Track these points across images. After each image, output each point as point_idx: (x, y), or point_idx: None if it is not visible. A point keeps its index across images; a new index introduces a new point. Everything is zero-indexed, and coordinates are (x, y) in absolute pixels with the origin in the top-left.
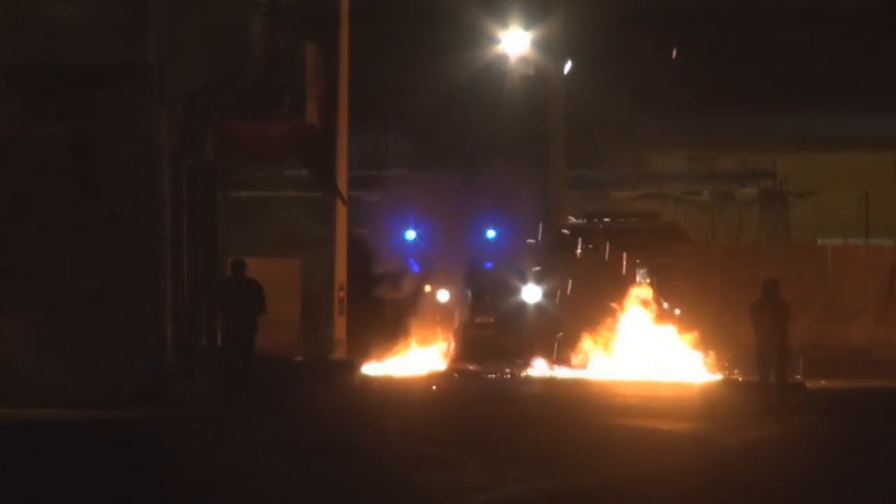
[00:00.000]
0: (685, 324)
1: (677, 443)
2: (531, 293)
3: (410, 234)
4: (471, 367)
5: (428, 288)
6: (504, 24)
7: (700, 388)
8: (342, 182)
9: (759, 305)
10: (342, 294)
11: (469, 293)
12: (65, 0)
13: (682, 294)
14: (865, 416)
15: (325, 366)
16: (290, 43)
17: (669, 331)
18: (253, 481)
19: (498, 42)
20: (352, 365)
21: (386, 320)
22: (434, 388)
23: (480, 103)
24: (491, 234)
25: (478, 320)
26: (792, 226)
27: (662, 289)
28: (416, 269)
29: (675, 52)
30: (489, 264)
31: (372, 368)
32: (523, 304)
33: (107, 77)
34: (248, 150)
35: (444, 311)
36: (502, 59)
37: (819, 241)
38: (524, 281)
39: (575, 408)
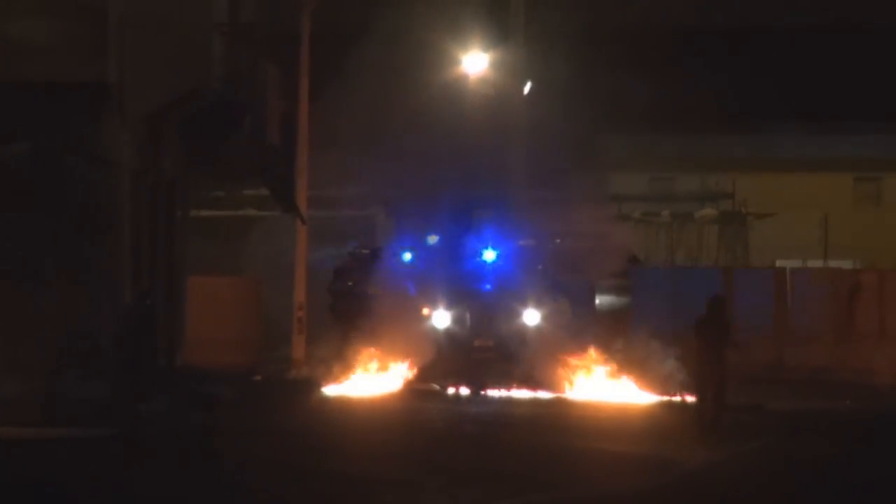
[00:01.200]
0: (642, 345)
1: (634, 464)
2: (530, 316)
3: (407, 256)
4: (435, 387)
5: (426, 311)
6: (465, 44)
7: (657, 409)
8: (302, 201)
9: (703, 323)
10: (301, 314)
11: (467, 315)
12: (27, 19)
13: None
14: (823, 437)
15: (284, 385)
16: (250, 62)
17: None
18: (209, 501)
19: (458, 62)
20: (311, 384)
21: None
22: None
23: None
24: (490, 255)
25: (477, 343)
26: (751, 247)
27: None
28: (412, 290)
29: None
30: (488, 286)
31: (336, 388)
32: (524, 327)
33: (68, 95)
34: (208, 169)
35: (437, 332)
36: (463, 79)
37: (778, 263)
38: (524, 304)
39: (536, 429)
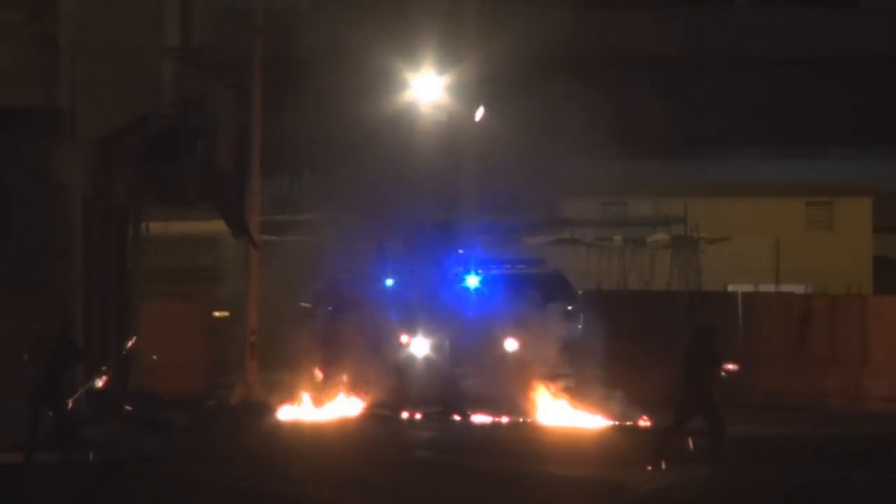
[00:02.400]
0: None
1: (587, 489)
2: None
3: (389, 282)
4: (389, 412)
5: (405, 338)
6: (417, 68)
7: (611, 434)
8: (254, 226)
9: (691, 352)
10: (253, 338)
11: (447, 343)
12: None
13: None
14: (776, 462)
15: (237, 410)
16: (202, 87)
17: (574, 377)
18: None
19: (410, 87)
20: (265, 409)
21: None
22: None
23: (393, 148)
24: (473, 281)
25: (454, 370)
26: (703, 271)
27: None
28: (392, 317)
29: (586, 98)
30: (469, 313)
31: (290, 413)
32: (503, 354)
33: (19, 120)
34: (160, 194)
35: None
36: (415, 104)
37: (730, 287)
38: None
39: (490, 454)
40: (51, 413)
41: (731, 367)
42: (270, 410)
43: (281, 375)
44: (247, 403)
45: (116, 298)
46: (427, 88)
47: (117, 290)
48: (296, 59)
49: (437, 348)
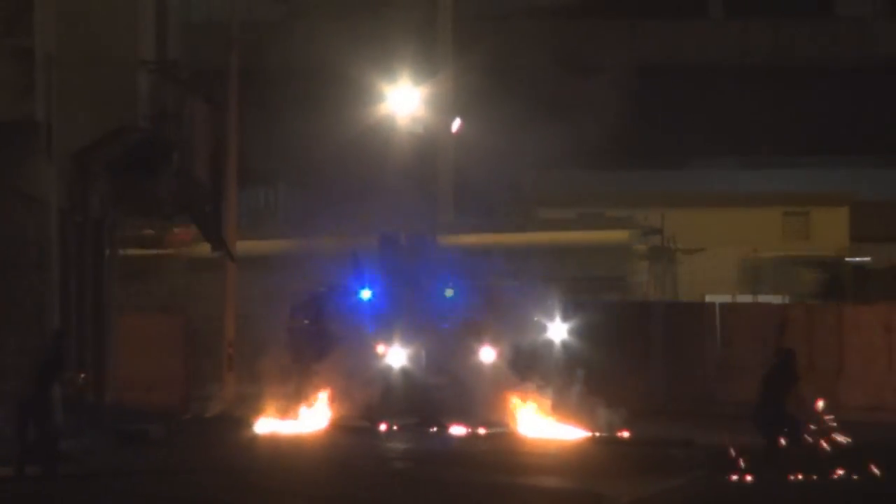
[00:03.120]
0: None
1: (565, 500)
2: (487, 353)
3: (366, 294)
4: (367, 423)
5: (381, 349)
6: (393, 81)
7: (589, 445)
8: (231, 238)
9: (772, 371)
10: (231, 350)
11: (423, 354)
12: None
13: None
14: (752, 472)
15: (213, 423)
16: (178, 100)
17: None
18: None
19: (386, 99)
20: (242, 422)
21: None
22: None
23: (369, 160)
24: (449, 293)
25: (431, 381)
26: (680, 282)
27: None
28: (370, 329)
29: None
30: (445, 325)
31: (268, 426)
32: (480, 364)
33: None
34: (136, 207)
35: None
36: (391, 116)
37: (707, 298)
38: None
39: (468, 465)
40: (34, 425)
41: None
42: (247, 423)
43: (258, 388)
44: (224, 416)
45: (93, 311)
46: (403, 100)
47: (93, 302)
48: (271, 72)
49: (413, 359)
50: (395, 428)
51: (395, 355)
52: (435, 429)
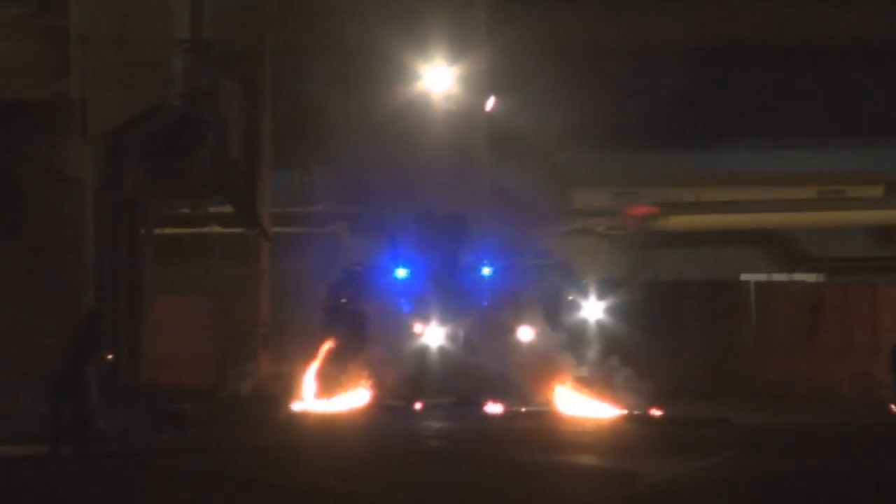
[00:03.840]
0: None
1: (599, 478)
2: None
3: (402, 273)
4: (403, 403)
5: (418, 328)
6: (427, 59)
7: (625, 423)
8: (265, 218)
9: None
10: (265, 330)
11: (461, 333)
12: None
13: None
14: (789, 451)
15: (250, 402)
16: (212, 79)
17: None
18: None
19: (420, 78)
20: (278, 401)
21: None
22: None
23: (404, 139)
24: (487, 271)
25: (468, 360)
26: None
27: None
28: (406, 308)
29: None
30: (484, 303)
31: (304, 405)
32: (518, 343)
33: (29, 114)
34: (171, 186)
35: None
36: (425, 95)
37: (742, 277)
38: (519, 321)
39: (503, 444)
40: (70, 405)
41: None
42: (283, 402)
43: (293, 367)
44: (259, 395)
45: (127, 291)
46: (437, 79)
47: (128, 282)
48: (306, 51)
49: (450, 338)
50: (430, 407)
51: (432, 334)
52: (471, 407)
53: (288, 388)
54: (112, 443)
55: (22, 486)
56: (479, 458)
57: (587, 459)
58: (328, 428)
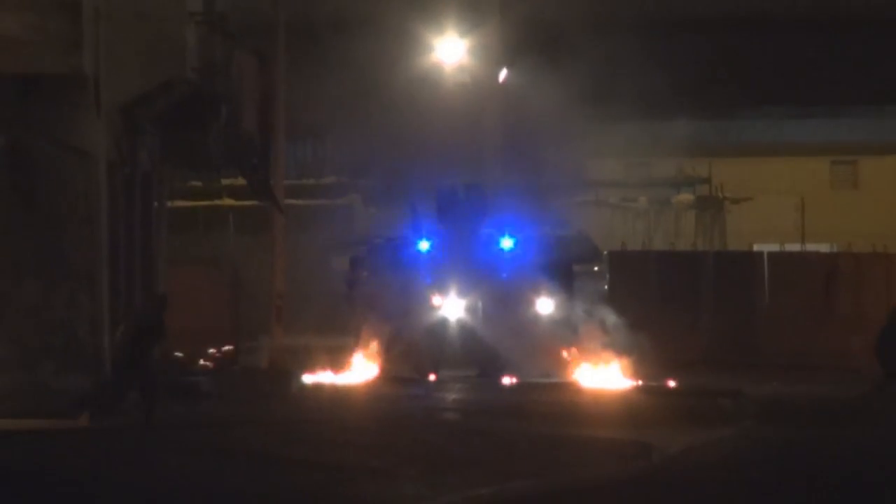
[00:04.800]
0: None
1: (614, 450)
2: (545, 305)
3: (424, 245)
4: (416, 375)
5: (438, 300)
6: (440, 31)
7: (637, 395)
8: (279, 190)
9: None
10: (279, 302)
11: (480, 305)
12: (1, 12)
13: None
14: (803, 421)
15: (263, 375)
16: (225, 52)
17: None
18: (188, 492)
19: (433, 50)
20: (291, 374)
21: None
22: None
23: (417, 111)
24: (507, 243)
25: (487, 332)
26: (728, 231)
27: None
28: (427, 280)
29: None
30: (504, 275)
31: (317, 377)
32: (536, 315)
33: (43, 87)
34: (185, 160)
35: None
36: (438, 66)
37: (755, 247)
38: (538, 293)
39: (513, 415)
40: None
41: None
42: (297, 375)
43: (308, 339)
44: (273, 368)
45: (141, 264)
46: (450, 51)
47: (142, 256)
48: (319, 24)
49: (470, 310)
50: (448, 379)
51: (452, 306)
52: (491, 380)
53: (302, 360)
54: (125, 416)
55: (34, 458)
56: (494, 430)
57: (602, 431)
58: (342, 400)
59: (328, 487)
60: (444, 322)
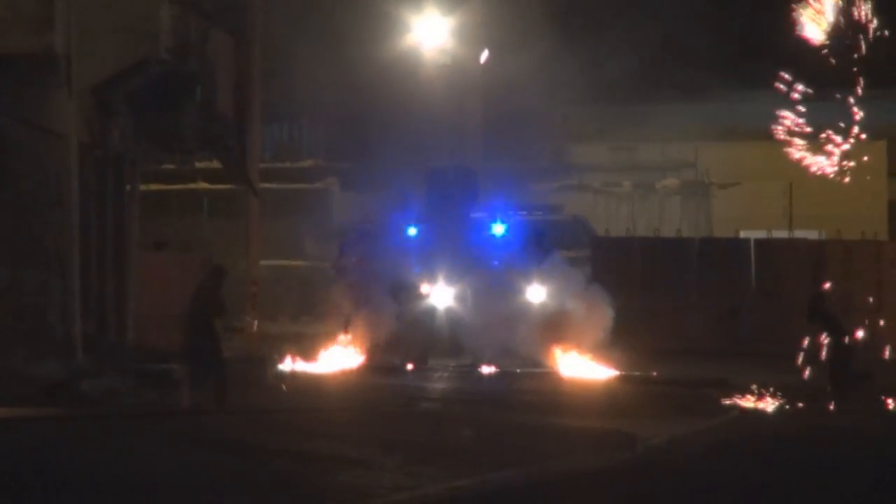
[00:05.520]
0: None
1: (598, 440)
2: (535, 292)
3: (412, 231)
4: (395, 362)
5: (426, 288)
6: (420, 11)
7: (621, 384)
8: (254, 173)
9: None
10: (254, 289)
11: (469, 293)
12: None
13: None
14: (786, 411)
15: (239, 363)
16: (201, 32)
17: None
18: (161, 481)
19: (413, 30)
20: (268, 361)
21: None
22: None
23: (395, 93)
24: (499, 229)
25: (474, 321)
26: (714, 217)
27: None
28: (416, 268)
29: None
30: (495, 262)
31: (295, 365)
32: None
33: (13, 67)
34: (158, 141)
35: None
36: (418, 47)
37: (742, 233)
38: (529, 280)
39: (497, 405)
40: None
41: None
42: (273, 363)
43: (283, 326)
44: (249, 356)
45: (114, 248)
46: (430, 31)
47: (114, 239)
48: (296, 3)
49: (459, 298)
50: (432, 368)
51: (441, 294)
52: (469, 368)
53: (278, 348)
54: (97, 404)
55: (4, 447)
56: (477, 419)
57: (586, 421)
58: (320, 389)
59: (304, 477)
60: (433, 310)
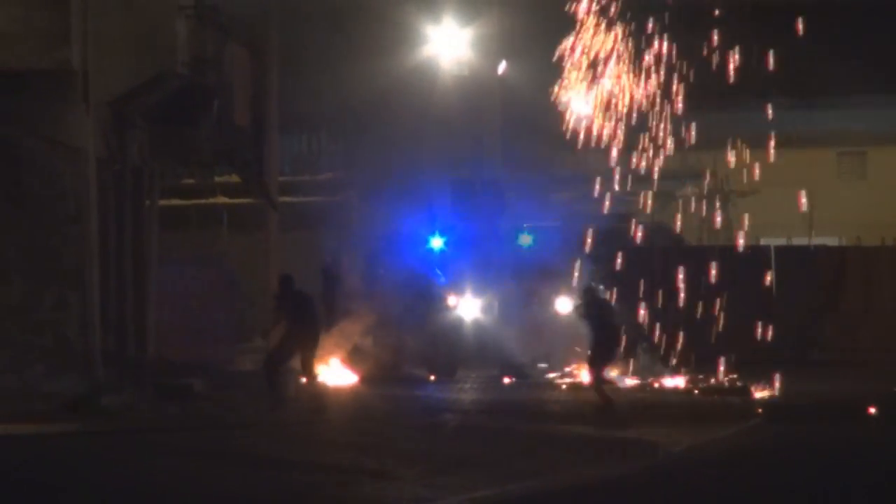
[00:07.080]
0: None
1: (618, 449)
2: (565, 304)
3: (437, 242)
4: (417, 373)
5: (453, 300)
6: (437, 22)
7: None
8: (273, 187)
9: None
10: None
11: (496, 304)
12: None
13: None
14: (808, 419)
15: (256, 376)
16: (217, 45)
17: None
18: (181, 494)
19: (430, 41)
20: (288, 375)
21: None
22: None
23: (413, 104)
24: (526, 240)
25: (503, 332)
26: (734, 225)
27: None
28: (441, 280)
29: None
30: (520, 274)
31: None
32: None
33: (31, 83)
34: (176, 155)
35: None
36: (435, 59)
37: (762, 241)
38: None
39: (518, 415)
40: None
41: None
42: (294, 376)
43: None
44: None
45: (133, 264)
46: (448, 43)
47: (133, 254)
48: (312, 15)
49: (486, 310)
50: (455, 379)
51: (467, 306)
52: (512, 379)
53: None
54: (118, 418)
55: (24, 462)
56: (497, 429)
57: (608, 430)
58: (341, 401)
59: (324, 489)
60: (460, 322)
